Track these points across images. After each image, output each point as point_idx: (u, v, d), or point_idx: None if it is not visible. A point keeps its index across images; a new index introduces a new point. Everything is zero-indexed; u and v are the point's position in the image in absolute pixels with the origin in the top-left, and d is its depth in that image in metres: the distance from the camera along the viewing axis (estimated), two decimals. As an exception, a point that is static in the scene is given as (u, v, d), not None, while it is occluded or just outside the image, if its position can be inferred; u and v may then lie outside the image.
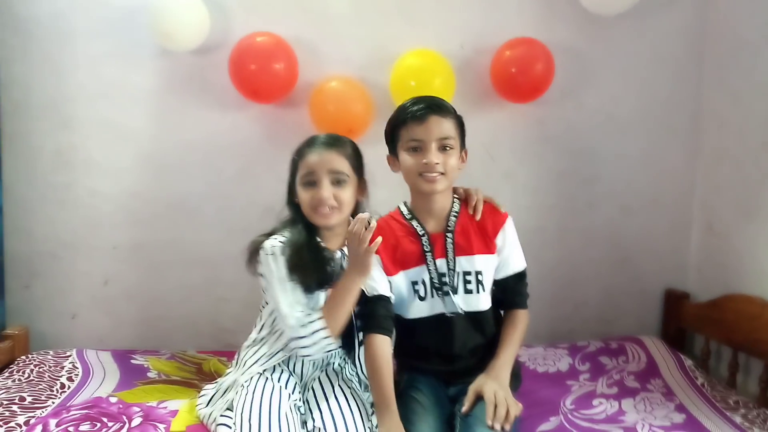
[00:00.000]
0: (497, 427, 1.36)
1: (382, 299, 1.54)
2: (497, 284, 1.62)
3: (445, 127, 1.51)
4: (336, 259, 1.59)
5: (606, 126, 2.20)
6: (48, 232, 2.07)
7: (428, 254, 1.57)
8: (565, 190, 2.23)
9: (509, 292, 1.63)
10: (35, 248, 2.07)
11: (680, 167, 2.25)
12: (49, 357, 1.93)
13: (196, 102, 2.07)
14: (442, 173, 1.50)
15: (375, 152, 2.09)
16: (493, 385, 1.45)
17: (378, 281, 1.54)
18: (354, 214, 1.65)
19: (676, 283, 2.29)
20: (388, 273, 1.56)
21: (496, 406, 1.40)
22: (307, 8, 2.04)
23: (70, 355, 1.95)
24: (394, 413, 1.42)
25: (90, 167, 2.06)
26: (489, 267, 1.59)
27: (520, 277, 1.64)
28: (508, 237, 1.62)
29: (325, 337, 1.47)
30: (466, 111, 2.06)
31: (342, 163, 1.56)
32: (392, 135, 1.58)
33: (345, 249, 1.60)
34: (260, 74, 1.92)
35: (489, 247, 1.59)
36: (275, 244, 1.53)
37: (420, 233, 1.58)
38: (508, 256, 1.61)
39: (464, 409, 1.45)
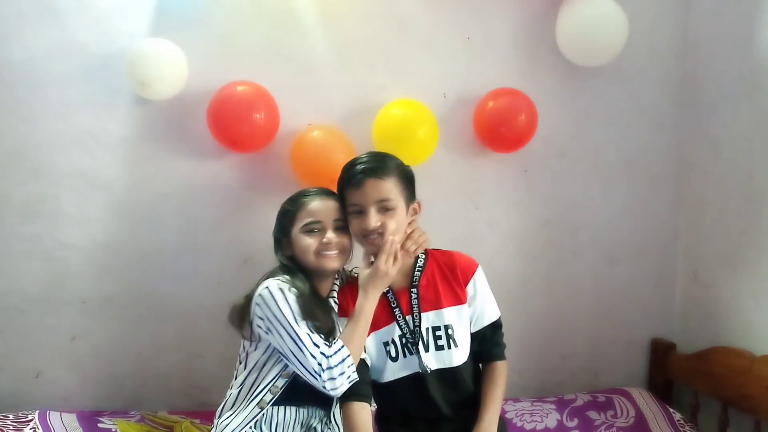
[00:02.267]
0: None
1: (359, 364, 1.48)
2: (474, 337, 1.58)
3: (383, 189, 1.49)
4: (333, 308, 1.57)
5: (589, 175, 2.20)
6: (12, 286, 1.96)
7: (396, 310, 1.54)
8: (549, 239, 2.20)
9: (486, 343, 1.60)
10: (-2, 302, 1.97)
11: (664, 216, 2.24)
12: (9, 422, 1.81)
13: (173, 151, 2.00)
14: (381, 233, 1.49)
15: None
16: None
17: None
18: None
19: (663, 332, 2.26)
20: None
21: None
22: (289, 57, 2.01)
23: (31, 419, 1.82)
24: None
25: (60, 218, 1.97)
26: (460, 319, 1.55)
27: (496, 326, 1.61)
28: (479, 286, 1.59)
29: (351, 365, 1.43)
30: (449, 160, 2.09)
31: (341, 210, 1.59)
32: (341, 197, 1.58)
33: (334, 294, 1.59)
34: (240, 124, 1.87)
35: (459, 298, 1.56)
36: (280, 283, 1.50)
37: (384, 291, 1.54)
38: (482, 306, 1.59)
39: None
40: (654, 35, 2.16)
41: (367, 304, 1.49)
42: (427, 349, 1.52)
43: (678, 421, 1.94)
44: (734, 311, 1.99)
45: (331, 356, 1.40)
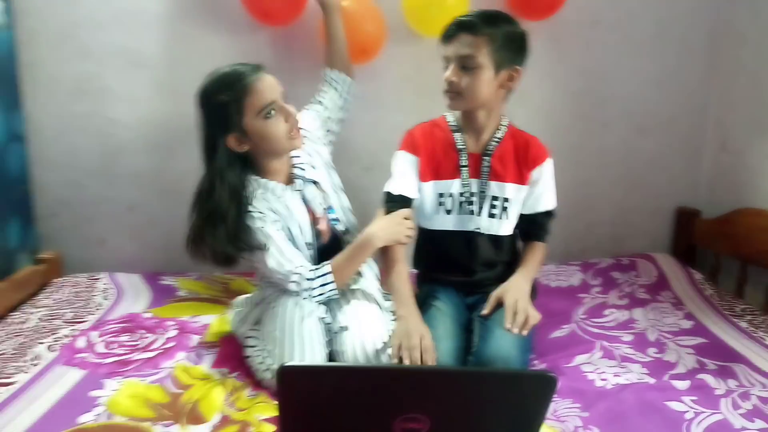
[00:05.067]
0: (515, 331, 1.41)
1: (405, 200, 1.57)
2: (525, 218, 1.64)
3: (470, 44, 1.44)
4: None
5: (622, 44, 2.18)
6: (71, 161, 2.11)
7: (464, 170, 1.58)
8: (579, 110, 2.23)
9: (535, 226, 1.66)
10: (60, 177, 2.11)
11: (695, 85, 2.23)
12: (83, 279, 2.02)
13: (207, 27, 2.05)
14: (458, 93, 1.49)
15: (389, 74, 2.12)
16: (515, 293, 1.49)
17: (408, 180, 1.58)
18: None
19: (688, 201, 2.32)
20: (422, 178, 1.59)
21: (515, 313, 1.44)
22: (317, -76, 1.98)
23: (101, 277, 2.04)
24: (413, 310, 1.46)
25: (107, 96, 2.07)
26: (518, 197, 1.60)
27: (549, 215, 1.65)
28: (545, 175, 1.61)
29: (332, 289, 1.51)
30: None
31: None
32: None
33: (297, 179, 1.58)
34: (271, -7, 1.90)
35: (522, 178, 1.59)
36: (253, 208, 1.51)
37: (459, 148, 1.59)
38: (541, 192, 1.62)
39: (485, 312, 1.50)
40: None
41: (367, 250, 1.52)
42: (480, 215, 1.59)
43: (698, 280, 2.04)
44: (761, 176, 2.03)
45: (311, 279, 1.48)
